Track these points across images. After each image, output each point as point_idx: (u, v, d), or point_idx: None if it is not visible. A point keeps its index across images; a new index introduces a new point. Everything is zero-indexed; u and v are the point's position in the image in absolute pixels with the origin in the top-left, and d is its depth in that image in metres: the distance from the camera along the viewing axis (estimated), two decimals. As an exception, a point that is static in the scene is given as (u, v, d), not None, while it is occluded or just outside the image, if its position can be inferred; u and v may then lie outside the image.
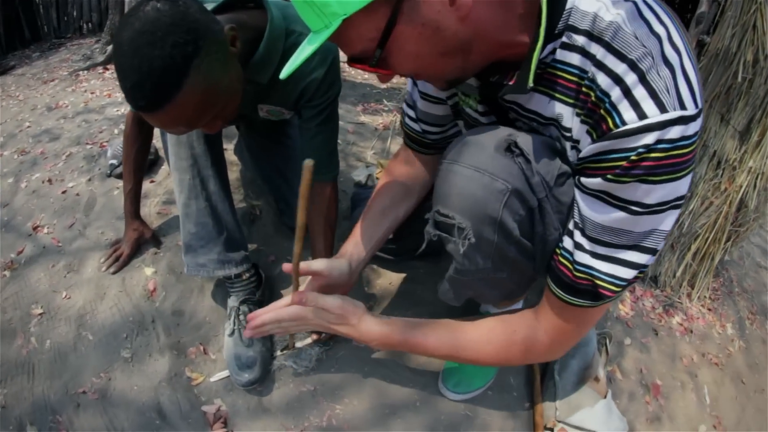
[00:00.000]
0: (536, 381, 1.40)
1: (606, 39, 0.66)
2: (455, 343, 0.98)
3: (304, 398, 1.23)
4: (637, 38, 0.64)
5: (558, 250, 0.85)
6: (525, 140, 0.80)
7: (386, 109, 2.91)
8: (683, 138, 0.63)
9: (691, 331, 1.87)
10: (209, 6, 1.07)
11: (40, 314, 1.42)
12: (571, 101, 0.74)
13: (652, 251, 0.74)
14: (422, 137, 1.15)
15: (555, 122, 0.78)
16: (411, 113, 1.14)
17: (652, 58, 0.63)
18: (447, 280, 1.00)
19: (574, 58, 0.70)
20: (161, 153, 2.04)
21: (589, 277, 0.78)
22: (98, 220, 1.75)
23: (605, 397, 1.37)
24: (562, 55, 0.72)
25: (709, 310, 2.02)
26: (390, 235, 1.22)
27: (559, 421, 1.31)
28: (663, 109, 0.62)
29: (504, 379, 1.37)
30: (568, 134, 0.77)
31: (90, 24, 4.39)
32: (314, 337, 1.30)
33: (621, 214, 0.71)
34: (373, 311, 1.41)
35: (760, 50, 1.70)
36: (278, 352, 1.29)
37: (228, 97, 0.95)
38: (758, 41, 1.70)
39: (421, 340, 0.98)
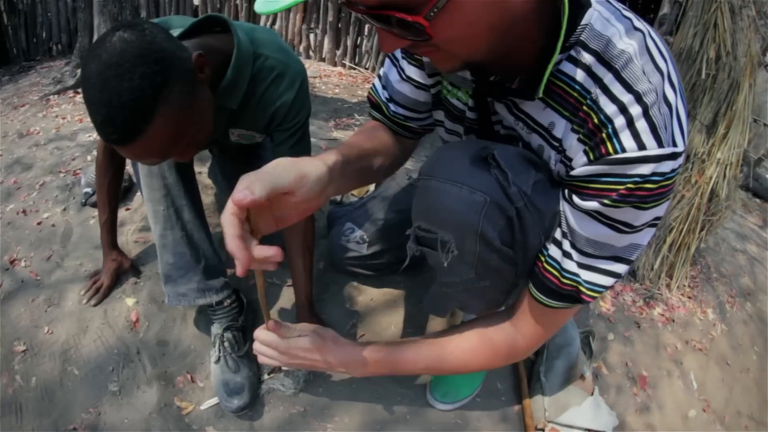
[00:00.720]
0: (523, 384, 1.42)
1: (616, 66, 0.68)
2: (437, 357, 0.99)
3: (294, 420, 1.24)
4: (644, 73, 0.67)
5: (542, 258, 0.86)
6: (501, 152, 0.81)
7: (358, 123, 2.91)
8: (672, 171, 0.69)
9: (673, 320, 1.91)
10: (175, 32, 1.06)
11: (24, 351, 1.40)
12: (567, 114, 0.75)
13: (628, 262, 0.80)
14: (394, 116, 1.09)
15: (545, 130, 0.80)
16: (385, 93, 1.08)
17: (656, 94, 0.67)
18: (431, 294, 1.01)
19: (579, 74, 0.72)
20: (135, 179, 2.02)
21: (575, 284, 0.82)
22: (76, 251, 1.73)
23: (592, 393, 1.40)
24: (566, 67, 0.73)
25: (689, 298, 2.07)
26: (365, 183, 1.15)
27: (549, 422, 1.34)
28: (660, 144, 0.66)
29: (491, 385, 1.40)
30: (556, 144, 0.79)
31: (60, 45, 4.32)
32: None
33: (609, 231, 0.76)
34: (356, 327, 1.43)
35: (722, 47, 1.76)
36: (265, 376, 1.30)
37: (199, 124, 0.95)
38: (719, 38, 1.75)
39: (401, 357, 1.00)
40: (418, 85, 1.01)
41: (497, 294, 0.98)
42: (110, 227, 1.55)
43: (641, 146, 0.67)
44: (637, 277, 2.08)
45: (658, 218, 0.76)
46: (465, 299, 0.99)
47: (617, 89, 0.68)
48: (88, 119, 2.84)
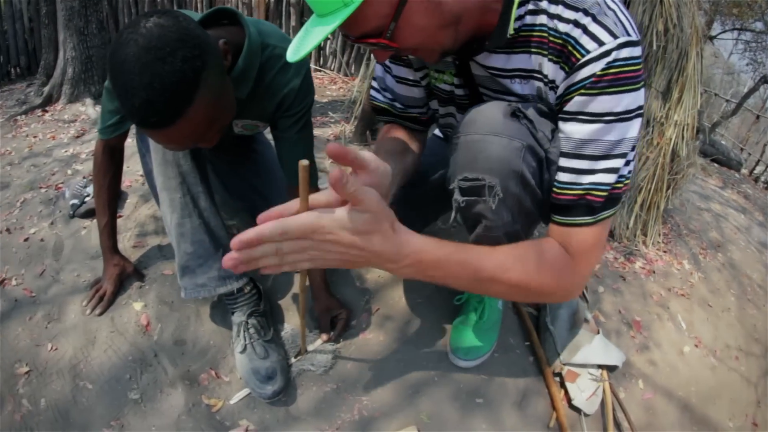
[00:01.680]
0: (533, 335, 1.41)
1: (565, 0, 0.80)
2: (498, 261, 0.82)
3: (330, 398, 1.17)
4: None
5: (555, 189, 0.90)
6: (524, 107, 0.88)
7: (333, 120, 2.84)
8: (633, 57, 0.77)
9: (654, 272, 1.95)
10: None
11: (27, 372, 1.26)
12: (544, 52, 0.84)
13: (622, 155, 0.83)
14: (402, 112, 1.17)
15: (537, 72, 0.87)
16: (387, 95, 1.17)
17: (599, 5, 0.78)
18: (472, 242, 1.00)
19: (542, 18, 0.82)
20: (123, 186, 1.89)
21: (578, 191, 0.85)
22: (70, 263, 1.59)
23: (598, 333, 1.40)
24: (532, 19, 0.83)
25: (665, 252, 2.14)
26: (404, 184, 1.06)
27: (565, 364, 1.33)
28: (614, 36, 0.76)
29: (504, 341, 1.37)
30: (546, 79, 0.86)
31: (18, 68, 4.00)
32: (324, 337, 1.25)
33: (597, 125, 0.80)
34: (371, 303, 1.38)
35: (669, 20, 1.84)
36: (293, 359, 1.23)
37: (227, 109, 0.94)
38: (666, 13, 1.86)
39: (463, 257, 0.78)
40: (411, 83, 1.11)
41: (522, 235, 1.02)
42: (110, 231, 1.44)
43: (600, 43, 0.76)
44: (615, 237, 2.15)
45: (640, 108, 0.81)
46: (501, 242, 0.94)
47: (568, 13, 0.79)
48: (61, 135, 2.70)
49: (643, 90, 0.80)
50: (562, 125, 0.85)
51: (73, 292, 1.48)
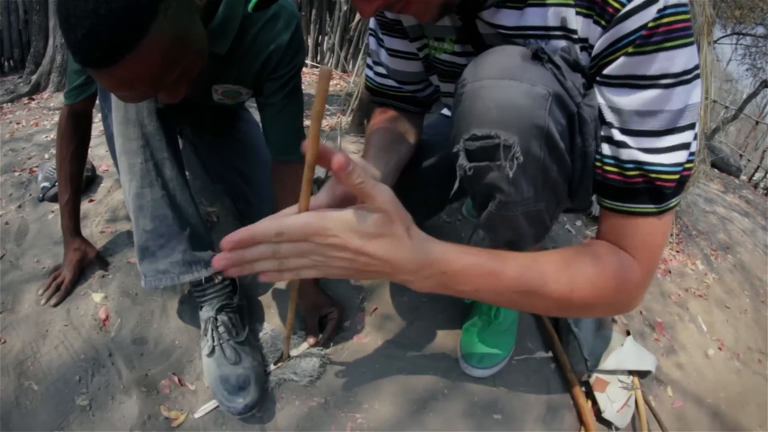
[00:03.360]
0: (554, 339, 1.12)
1: None
2: (538, 272, 0.61)
3: (316, 414, 0.87)
4: None
5: (600, 162, 0.67)
6: (548, 49, 0.64)
7: (329, 112, 2.55)
8: (682, 3, 0.57)
9: (670, 272, 1.69)
10: None
11: (-32, 368, 0.97)
12: (570, 2, 0.62)
13: (690, 127, 0.61)
14: (397, 91, 0.95)
15: (559, 29, 0.64)
16: (380, 70, 0.95)
17: None
18: (484, 223, 0.75)
19: None
20: (99, 171, 1.59)
21: (642, 173, 0.62)
22: (33, 248, 1.29)
23: (628, 334, 1.13)
24: None
25: (678, 251, 1.89)
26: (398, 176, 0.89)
27: (592, 371, 1.04)
28: None
29: (522, 346, 1.09)
30: (575, 36, 0.63)
31: (11, 61, 3.66)
32: (311, 341, 0.95)
33: (653, 92, 0.59)
34: (367, 301, 1.09)
35: None
36: (272, 366, 0.93)
37: (194, 54, 0.70)
38: None
39: (497, 267, 0.59)
40: (407, 56, 0.89)
41: (547, 219, 0.77)
42: (72, 210, 1.15)
43: None
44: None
45: (697, 67, 0.59)
46: (519, 226, 0.75)
47: None
48: (45, 122, 2.38)
49: (695, 45, 0.59)
50: (606, 93, 0.63)
51: (31, 280, 1.18)
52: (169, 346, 0.98)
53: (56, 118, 2.41)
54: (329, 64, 3.83)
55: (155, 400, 0.89)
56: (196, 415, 0.87)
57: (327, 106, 2.63)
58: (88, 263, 1.16)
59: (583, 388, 1.03)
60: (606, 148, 0.65)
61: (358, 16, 3.21)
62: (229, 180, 1.29)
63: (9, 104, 2.72)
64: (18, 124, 2.38)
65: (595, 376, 1.05)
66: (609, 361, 1.05)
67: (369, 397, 0.90)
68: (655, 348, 1.27)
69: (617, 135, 0.63)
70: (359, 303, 1.10)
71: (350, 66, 3.67)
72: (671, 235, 1.90)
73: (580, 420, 0.98)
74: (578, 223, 1.67)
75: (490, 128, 0.62)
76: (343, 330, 1.03)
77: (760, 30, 9.17)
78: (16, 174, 1.70)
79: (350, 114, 2.26)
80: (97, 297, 1.10)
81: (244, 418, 0.85)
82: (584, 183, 0.69)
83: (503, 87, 0.61)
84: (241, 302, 1.00)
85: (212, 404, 0.87)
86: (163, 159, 0.90)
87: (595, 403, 1.01)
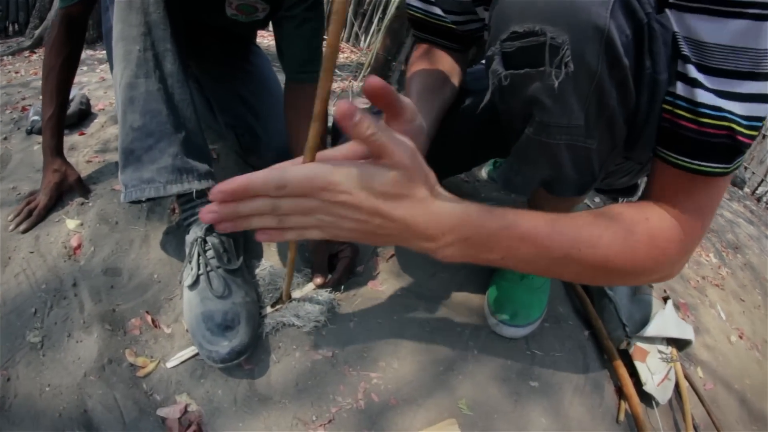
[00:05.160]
0: (587, 304, 0.87)
1: None
2: (572, 234, 0.45)
3: (321, 370, 0.61)
4: None
5: (669, 107, 0.46)
6: None
7: (339, 76, 2.26)
8: None
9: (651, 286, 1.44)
10: None
11: None
12: None
13: None
14: (440, 21, 0.68)
15: None
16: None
17: None
18: (517, 153, 0.57)
19: None
20: (96, 109, 1.31)
21: (721, 121, 0.43)
22: (12, 175, 1.02)
23: (668, 299, 0.89)
24: None
25: None
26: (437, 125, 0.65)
27: (632, 338, 0.80)
28: None
29: (552, 310, 0.83)
30: None
31: (17, 24, 3.24)
32: (317, 281, 0.68)
33: (739, 22, 0.40)
34: (380, 249, 0.82)
35: None
36: (268, 309, 0.66)
37: None
38: None
39: (528, 229, 0.43)
40: None
41: (595, 165, 0.56)
42: (56, 127, 0.87)
43: None
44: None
45: None
46: (560, 163, 0.55)
47: None
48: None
49: None
50: (682, 19, 0.44)
51: (3, 206, 0.90)
52: (146, 279, 0.71)
53: None
54: (341, 36, 3.49)
55: (120, 342, 0.62)
56: (169, 364, 0.60)
57: (338, 71, 2.35)
58: (68, 188, 0.88)
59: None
60: (680, 88, 0.45)
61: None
62: (234, 110, 1.02)
63: (10, 57, 2.40)
64: (17, 73, 2.08)
65: (634, 344, 0.80)
66: (650, 328, 0.81)
67: (386, 354, 0.64)
68: (683, 324, 1.03)
69: (693, 72, 0.43)
70: (373, 248, 0.83)
71: (362, 41, 3.36)
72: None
73: (620, 392, 0.74)
74: (597, 199, 1.42)
75: (534, 23, 0.44)
76: (356, 275, 0.76)
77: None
78: (8, 112, 1.41)
79: (362, 79, 1.99)
80: (72, 224, 0.82)
81: (229, 369, 0.59)
82: (649, 126, 0.48)
83: None
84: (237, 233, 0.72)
85: (190, 351, 0.60)
86: (164, 51, 0.65)
87: (633, 374, 0.77)
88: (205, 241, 0.63)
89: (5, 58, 2.36)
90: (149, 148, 0.64)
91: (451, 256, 0.41)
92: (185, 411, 0.55)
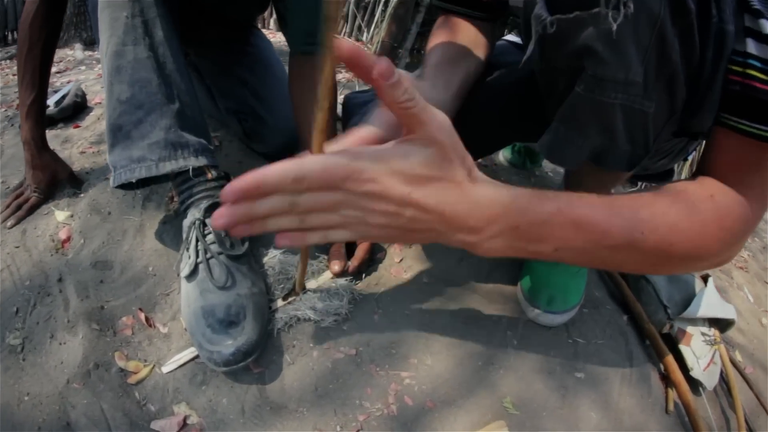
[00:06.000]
0: (623, 286, 0.75)
1: None
2: (633, 216, 0.36)
3: (343, 371, 0.49)
4: None
5: (739, 67, 0.36)
6: None
7: (343, 67, 2.13)
8: None
9: None
10: None
11: None
12: None
13: None
14: None
15: None
16: None
17: None
18: (564, 114, 0.45)
19: None
20: (92, 103, 1.19)
21: None
22: (3, 169, 0.90)
23: (708, 277, 0.78)
24: None
25: None
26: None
27: (674, 320, 0.69)
28: None
29: (588, 294, 0.71)
30: None
31: (15, 32, 3.07)
32: (335, 268, 0.55)
33: None
34: (401, 266, 0.70)
35: None
36: (279, 302, 0.54)
37: None
38: None
39: (584, 214, 0.34)
40: None
41: (650, 132, 0.44)
42: (38, 113, 0.74)
43: None
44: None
45: None
46: (615, 124, 0.43)
47: None
48: None
49: None
50: None
51: (-10, 200, 0.77)
52: (140, 273, 0.59)
53: (53, 69, 1.97)
54: (342, 30, 3.33)
55: (109, 344, 0.50)
56: (165, 369, 0.48)
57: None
58: (58, 182, 0.76)
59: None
60: (752, 46, 0.36)
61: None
62: (236, 94, 0.90)
63: (8, 61, 2.26)
64: (14, 75, 1.95)
65: (678, 325, 0.69)
66: (692, 308, 0.70)
67: (417, 349, 0.52)
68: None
69: (764, 25, 0.35)
70: None
71: (363, 35, 3.21)
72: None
73: (665, 379, 0.63)
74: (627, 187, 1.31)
75: None
76: (378, 262, 0.64)
77: None
78: (3, 110, 1.28)
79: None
80: (61, 215, 0.70)
81: (235, 372, 0.47)
82: (713, 88, 0.38)
83: None
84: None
85: (189, 353, 0.48)
86: (154, 17, 0.54)
87: (677, 359, 0.66)
88: (204, 224, 0.51)
89: (3, 62, 2.23)
90: (138, 121, 0.52)
91: (496, 250, 0.33)
92: (184, 424, 0.43)
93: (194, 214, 0.52)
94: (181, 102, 0.54)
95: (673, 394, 0.62)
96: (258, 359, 0.47)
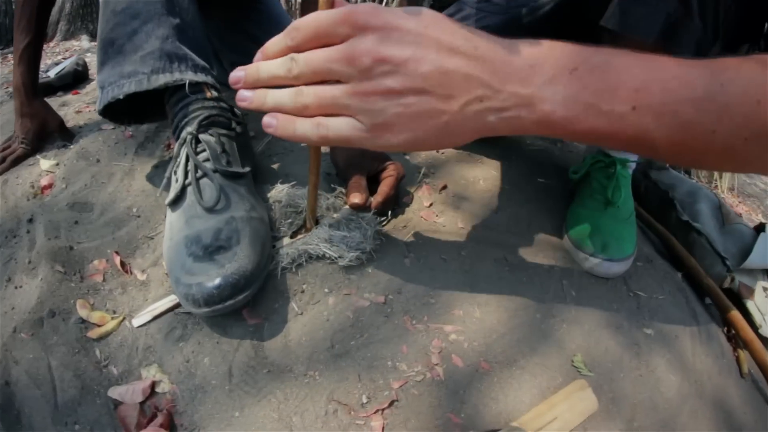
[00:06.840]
0: (673, 241, 0.61)
1: None
2: (710, 65, 0.23)
3: (369, 323, 0.35)
4: None
5: None
6: None
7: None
8: None
9: (740, 215, 1.22)
10: None
11: None
12: None
13: None
14: None
15: None
16: None
17: None
18: None
19: None
20: (93, 75, 1.07)
21: None
22: (-2, 132, 0.76)
23: (762, 229, 0.63)
24: None
25: (740, 202, 1.51)
26: None
27: (734, 271, 0.56)
28: None
29: (638, 249, 0.57)
30: None
31: None
32: (355, 200, 0.40)
33: None
34: (428, 180, 0.56)
35: None
36: (285, 240, 0.39)
37: None
38: None
39: (648, 56, 0.21)
40: None
41: (719, 25, 0.36)
42: (32, 59, 0.63)
43: None
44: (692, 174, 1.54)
45: None
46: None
47: None
48: (48, 61, 1.83)
49: None
50: None
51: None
52: (122, 214, 0.45)
53: (59, 57, 1.83)
54: None
55: (72, 290, 0.37)
56: (136, 322, 0.34)
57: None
58: (48, 135, 0.63)
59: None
60: None
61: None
62: (241, 48, 0.78)
63: (10, 55, 2.16)
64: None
65: (738, 280, 0.55)
66: (754, 257, 0.56)
67: (461, 300, 0.38)
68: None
69: None
70: (420, 178, 0.55)
71: None
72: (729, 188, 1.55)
73: (733, 336, 0.50)
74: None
75: None
76: (403, 204, 0.49)
77: None
78: (6, 88, 1.17)
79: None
80: (47, 164, 0.58)
81: (222, 321, 0.33)
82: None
83: None
84: (243, 133, 0.45)
85: (167, 302, 0.35)
86: None
87: (744, 316, 0.52)
88: (197, 140, 0.37)
89: (9, 55, 2.12)
90: (133, 32, 0.40)
91: (552, 111, 0.23)
92: (151, 392, 0.29)
93: (187, 130, 0.38)
94: (182, 19, 0.41)
95: (744, 355, 0.48)
96: (254, 305, 0.33)
